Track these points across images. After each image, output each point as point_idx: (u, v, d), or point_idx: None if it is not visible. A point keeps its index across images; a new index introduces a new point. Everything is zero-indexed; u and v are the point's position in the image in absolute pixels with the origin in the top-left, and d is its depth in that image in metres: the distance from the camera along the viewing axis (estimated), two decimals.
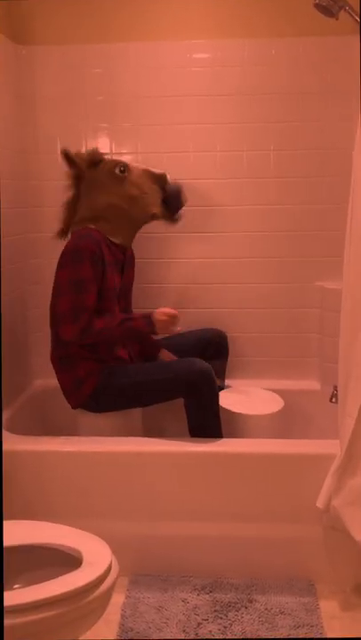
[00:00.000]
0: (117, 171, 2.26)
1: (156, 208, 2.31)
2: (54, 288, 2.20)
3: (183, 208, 2.35)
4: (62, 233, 2.33)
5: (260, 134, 2.63)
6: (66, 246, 2.20)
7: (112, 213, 2.27)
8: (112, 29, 2.58)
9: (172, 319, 2.22)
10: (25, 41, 2.59)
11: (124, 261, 2.38)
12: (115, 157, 2.51)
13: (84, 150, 2.63)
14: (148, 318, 2.21)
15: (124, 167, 2.27)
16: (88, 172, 2.28)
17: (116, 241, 2.29)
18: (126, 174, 2.27)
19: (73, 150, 2.31)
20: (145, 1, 2.54)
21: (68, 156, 2.27)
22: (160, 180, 2.31)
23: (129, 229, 2.35)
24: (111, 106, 2.64)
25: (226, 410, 2.34)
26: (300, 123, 2.61)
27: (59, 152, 2.62)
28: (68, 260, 2.15)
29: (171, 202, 2.31)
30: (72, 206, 2.32)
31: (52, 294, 2.21)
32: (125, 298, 2.44)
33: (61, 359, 2.27)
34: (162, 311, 2.22)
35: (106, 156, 2.36)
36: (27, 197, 2.67)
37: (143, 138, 2.66)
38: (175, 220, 2.36)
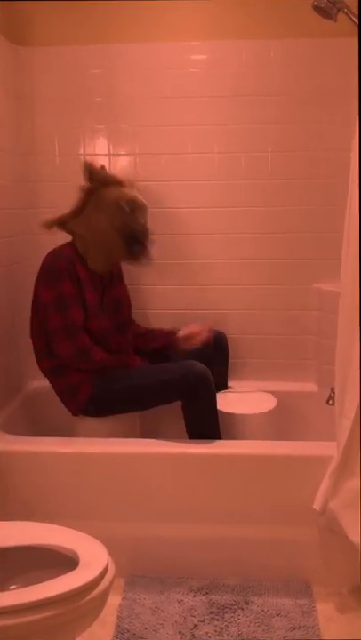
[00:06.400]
0: (124, 204, 2.25)
1: (125, 248, 2.30)
2: (39, 306, 2.22)
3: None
4: (50, 224, 2.30)
5: (257, 136, 2.63)
6: (43, 264, 2.23)
7: (98, 238, 2.27)
8: (110, 31, 2.58)
9: None
10: (24, 42, 2.59)
11: (105, 282, 2.36)
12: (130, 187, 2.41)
13: (81, 150, 2.65)
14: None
15: (133, 205, 2.27)
16: (102, 193, 2.27)
17: (91, 266, 2.28)
18: (131, 211, 2.27)
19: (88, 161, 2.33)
20: (143, 2, 2.54)
21: (91, 171, 2.27)
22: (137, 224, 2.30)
23: (105, 259, 2.33)
24: (109, 107, 2.64)
25: (218, 410, 2.33)
26: (298, 124, 2.61)
27: (56, 153, 2.65)
28: (47, 280, 2.19)
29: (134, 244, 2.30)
30: (75, 215, 2.30)
31: (37, 312, 2.24)
32: (120, 312, 2.42)
33: (53, 369, 2.28)
34: None
35: (121, 183, 2.33)
36: (22, 198, 2.66)
37: (141, 139, 2.66)
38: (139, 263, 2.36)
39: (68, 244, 2.29)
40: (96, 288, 2.30)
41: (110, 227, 2.25)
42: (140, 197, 2.32)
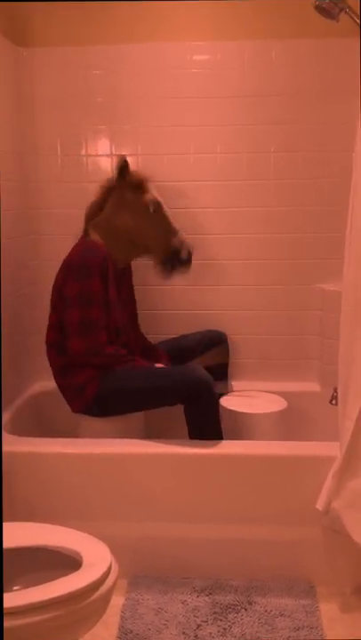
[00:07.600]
0: (151, 209, 2.29)
1: (158, 258, 2.35)
2: (60, 299, 2.22)
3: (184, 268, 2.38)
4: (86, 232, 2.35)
5: (260, 136, 2.63)
6: (71, 259, 2.22)
7: (123, 237, 2.30)
8: (112, 31, 2.58)
9: None
10: (25, 43, 2.59)
11: (123, 276, 2.40)
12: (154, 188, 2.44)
13: (83, 151, 2.65)
14: None
15: (157, 208, 2.30)
16: (127, 191, 2.30)
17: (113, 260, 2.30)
18: (155, 214, 2.30)
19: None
20: (144, 3, 2.54)
21: (124, 169, 2.29)
22: (175, 236, 2.34)
23: (127, 256, 2.39)
24: (111, 107, 2.64)
25: (230, 410, 2.37)
26: (300, 125, 2.61)
27: (58, 154, 2.65)
28: (77, 275, 2.18)
29: (173, 261, 2.35)
30: (95, 210, 2.33)
31: (56, 306, 2.24)
32: (127, 308, 2.44)
33: (62, 367, 2.29)
34: None
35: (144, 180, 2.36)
36: (25, 199, 2.66)
37: (143, 139, 2.66)
38: (167, 277, 2.40)
39: (94, 240, 2.29)
40: (117, 282, 2.33)
41: (134, 226, 2.29)
42: (161, 199, 2.34)
